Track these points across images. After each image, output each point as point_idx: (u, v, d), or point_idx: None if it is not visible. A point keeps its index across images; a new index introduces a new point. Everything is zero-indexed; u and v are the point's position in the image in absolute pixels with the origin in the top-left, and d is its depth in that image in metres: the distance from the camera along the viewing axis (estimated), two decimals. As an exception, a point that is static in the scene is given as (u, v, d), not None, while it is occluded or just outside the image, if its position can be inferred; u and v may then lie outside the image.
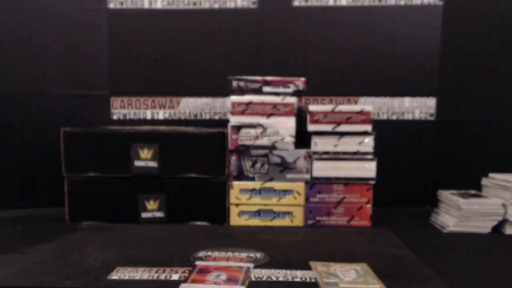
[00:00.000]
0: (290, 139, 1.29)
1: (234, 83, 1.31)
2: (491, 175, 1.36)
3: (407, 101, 1.57)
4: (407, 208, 1.55)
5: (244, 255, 1.00)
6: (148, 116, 1.61)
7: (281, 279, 0.86)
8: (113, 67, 1.58)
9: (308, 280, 0.86)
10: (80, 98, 1.57)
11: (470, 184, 1.40)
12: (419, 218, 1.42)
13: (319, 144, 1.29)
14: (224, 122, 1.35)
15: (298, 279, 0.86)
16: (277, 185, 1.29)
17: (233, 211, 1.31)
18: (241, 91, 1.31)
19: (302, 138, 1.31)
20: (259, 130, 1.29)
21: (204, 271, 0.89)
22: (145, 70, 1.59)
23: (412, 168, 1.58)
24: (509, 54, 1.50)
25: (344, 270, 0.90)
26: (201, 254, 1.01)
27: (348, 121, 1.27)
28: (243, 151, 1.30)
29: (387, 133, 1.47)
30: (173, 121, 1.61)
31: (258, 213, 1.30)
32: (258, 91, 1.31)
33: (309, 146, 1.30)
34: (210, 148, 1.31)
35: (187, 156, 1.30)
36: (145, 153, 1.29)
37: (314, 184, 1.30)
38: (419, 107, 1.57)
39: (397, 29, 1.54)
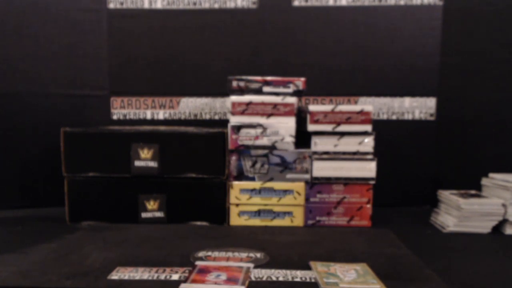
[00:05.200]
0: (290, 139, 1.29)
1: (234, 83, 1.31)
2: (491, 175, 1.36)
3: (407, 101, 1.57)
4: (407, 208, 1.55)
5: (244, 255, 1.00)
6: (148, 116, 1.61)
7: (281, 279, 0.86)
8: (113, 67, 1.58)
9: (308, 280, 0.86)
10: (80, 98, 1.57)
11: (470, 184, 1.40)
12: (419, 218, 1.42)
13: (319, 144, 1.29)
14: (224, 122, 1.35)
15: (298, 279, 0.86)
16: (277, 185, 1.30)
17: (233, 211, 1.31)
18: (241, 91, 1.31)
19: (302, 138, 1.31)
20: (259, 130, 1.29)
21: (204, 271, 0.89)
22: (145, 70, 1.59)
23: (412, 168, 1.58)
24: (509, 54, 1.50)
25: (344, 270, 0.90)
26: (201, 254, 1.01)
27: (348, 121, 1.27)
28: (243, 151, 1.30)
29: (387, 133, 1.47)
30: (173, 121, 1.61)
31: (258, 213, 1.30)
32: (258, 91, 1.31)
33: (309, 146, 1.30)
34: (210, 148, 1.30)
35: (187, 156, 1.30)
36: (145, 153, 1.29)
37: (314, 184, 1.30)
38: (419, 107, 1.57)
39: (397, 29, 1.54)
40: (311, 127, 1.28)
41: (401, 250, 1.06)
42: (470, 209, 1.24)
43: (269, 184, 1.29)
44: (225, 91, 1.35)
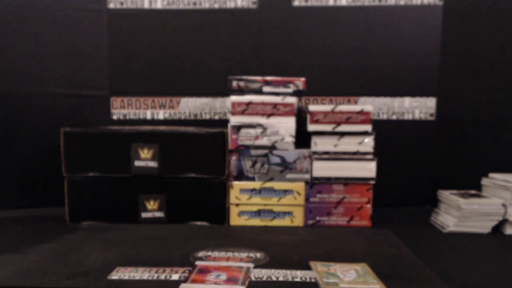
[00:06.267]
0: (290, 139, 1.29)
1: (234, 83, 1.31)
2: (491, 175, 1.36)
3: (407, 101, 1.57)
4: (407, 208, 1.55)
5: (244, 255, 1.00)
6: (148, 116, 1.61)
7: (281, 279, 0.86)
8: (113, 67, 1.58)
9: (308, 280, 0.86)
10: (80, 98, 1.57)
11: (470, 184, 1.40)
12: (419, 218, 1.42)
13: (319, 144, 1.29)
14: (224, 122, 1.35)
15: (298, 279, 0.86)
16: (277, 185, 1.29)
17: (233, 211, 1.31)
18: (241, 91, 1.31)
19: (302, 138, 1.31)
20: (259, 130, 1.29)
21: (204, 271, 0.89)
22: (145, 70, 1.59)
23: (412, 168, 1.58)
24: (509, 54, 1.50)
25: (344, 270, 0.90)
26: (201, 254, 1.01)
27: (348, 121, 1.27)
28: (243, 151, 1.30)
29: (387, 133, 1.47)
30: (173, 121, 1.61)
31: (258, 213, 1.30)
32: (258, 91, 1.31)
33: (309, 146, 1.30)
34: (210, 148, 1.30)
35: (187, 156, 1.30)
36: (145, 153, 1.29)
37: (314, 184, 1.30)
38: (419, 107, 1.57)
39: (397, 29, 1.54)
40: (311, 127, 1.28)
41: (401, 250, 1.06)
42: (470, 209, 1.24)
43: (269, 184, 1.29)
44: (225, 91, 1.35)
